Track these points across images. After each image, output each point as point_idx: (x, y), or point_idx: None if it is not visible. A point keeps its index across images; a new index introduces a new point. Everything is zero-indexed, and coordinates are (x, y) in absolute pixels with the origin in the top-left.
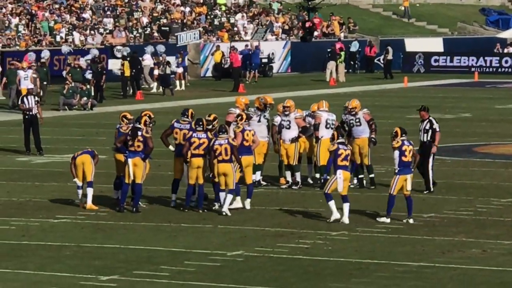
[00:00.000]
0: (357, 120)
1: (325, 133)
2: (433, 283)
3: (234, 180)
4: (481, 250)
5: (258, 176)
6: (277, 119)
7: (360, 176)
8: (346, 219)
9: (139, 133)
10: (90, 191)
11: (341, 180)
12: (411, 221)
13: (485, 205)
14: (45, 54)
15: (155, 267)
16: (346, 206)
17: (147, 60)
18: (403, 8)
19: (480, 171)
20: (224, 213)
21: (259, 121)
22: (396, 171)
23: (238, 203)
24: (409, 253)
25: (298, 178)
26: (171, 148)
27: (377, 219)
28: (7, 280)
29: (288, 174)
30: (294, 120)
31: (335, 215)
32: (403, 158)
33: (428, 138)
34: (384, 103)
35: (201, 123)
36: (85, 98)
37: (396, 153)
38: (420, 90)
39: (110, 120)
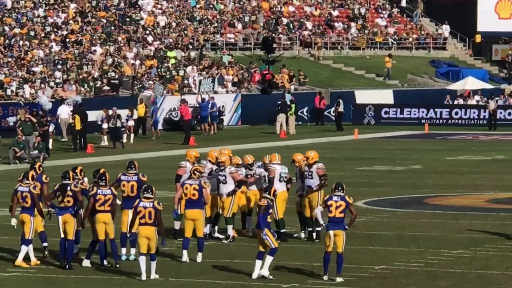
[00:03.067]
0: (310, 173)
1: (279, 186)
2: None
3: (156, 245)
4: None
5: (208, 228)
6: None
7: (310, 229)
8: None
9: (68, 188)
10: (24, 249)
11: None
12: (338, 279)
13: (435, 257)
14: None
15: None
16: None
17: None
18: (385, 69)
19: (430, 223)
20: (152, 277)
21: (209, 173)
22: (323, 226)
23: (200, 258)
24: None
25: (230, 232)
26: (118, 202)
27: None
28: None
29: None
30: (230, 175)
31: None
32: (329, 214)
33: None
34: (335, 155)
35: (103, 178)
36: (36, 152)
37: (318, 209)
38: (370, 142)
39: (60, 174)
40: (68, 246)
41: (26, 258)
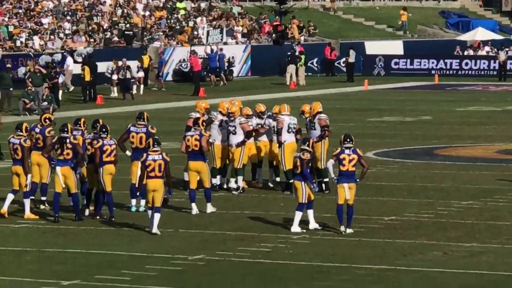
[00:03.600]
0: (312, 124)
1: (287, 137)
2: (394, 286)
3: (162, 197)
4: (442, 253)
5: (218, 180)
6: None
7: (319, 180)
8: (349, 230)
9: (67, 140)
10: (26, 202)
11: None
12: (348, 231)
13: (445, 208)
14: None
15: (116, 271)
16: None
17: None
18: (400, 23)
19: (440, 174)
20: (154, 233)
21: (220, 125)
22: (334, 180)
23: (210, 208)
24: (370, 256)
25: (240, 183)
26: (128, 153)
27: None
28: None
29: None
30: (239, 126)
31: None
32: (341, 167)
33: None
34: (345, 106)
35: (105, 129)
36: (46, 103)
37: (330, 162)
38: (380, 93)
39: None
40: (74, 199)
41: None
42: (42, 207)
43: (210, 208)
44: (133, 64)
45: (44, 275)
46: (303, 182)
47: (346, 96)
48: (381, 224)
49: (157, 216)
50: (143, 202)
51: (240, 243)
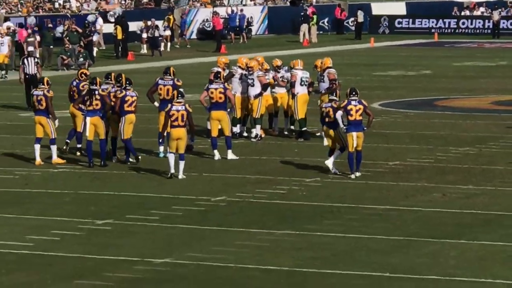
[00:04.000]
0: (322, 77)
1: (300, 90)
2: (397, 224)
3: (185, 145)
4: (441, 194)
5: (238, 128)
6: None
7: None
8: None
9: (96, 92)
10: (53, 148)
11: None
12: (356, 174)
13: (444, 154)
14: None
15: (146, 211)
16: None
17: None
18: None
19: (440, 123)
20: (180, 177)
21: (240, 78)
22: (344, 129)
23: (231, 155)
24: (375, 197)
25: (258, 131)
26: (156, 104)
27: (349, 176)
28: (11, 224)
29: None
30: (257, 78)
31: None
32: (349, 117)
33: None
34: (353, 61)
35: (128, 82)
36: (81, 59)
37: (339, 113)
38: (385, 49)
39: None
40: (101, 145)
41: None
42: (78, 154)
43: (230, 155)
44: (161, 23)
45: (80, 215)
46: (336, 129)
47: (354, 53)
48: (386, 168)
49: (182, 163)
50: (161, 148)
51: (258, 186)
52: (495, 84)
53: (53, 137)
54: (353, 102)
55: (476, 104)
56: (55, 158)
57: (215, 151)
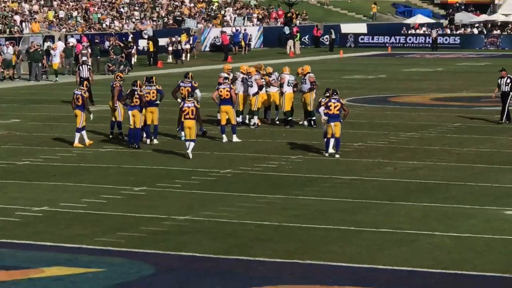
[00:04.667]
0: (304, 80)
1: (287, 89)
2: (361, 190)
3: (195, 132)
4: (393, 168)
5: (240, 118)
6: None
7: (309, 118)
8: (337, 156)
9: (135, 93)
10: (77, 135)
11: (330, 126)
12: (337, 156)
13: (396, 137)
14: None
15: (171, 181)
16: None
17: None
18: (372, 13)
19: (392, 114)
20: (188, 156)
21: (242, 81)
22: (325, 120)
23: (236, 139)
24: (344, 170)
25: (256, 120)
26: (179, 100)
27: (324, 153)
28: (70, 190)
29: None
30: (255, 81)
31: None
32: (329, 111)
33: (508, 89)
34: (327, 68)
35: (151, 80)
36: (122, 66)
37: (321, 108)
38: (351, 59)
39: (140, 80)
40: (135, 132)
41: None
42: (120, 137)
43: (235, 139)
44: (183, 39)
45: (122, 183)
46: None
47: (328, 61)
48: (351, 148)
49: (191, 145)
50: (182, 133)
51: (256, 161)
52: (434, 85)
53: (79, 127)
54: (333, 100)
55: (420, 100)
56: (76, 143)
57: (223, 136)
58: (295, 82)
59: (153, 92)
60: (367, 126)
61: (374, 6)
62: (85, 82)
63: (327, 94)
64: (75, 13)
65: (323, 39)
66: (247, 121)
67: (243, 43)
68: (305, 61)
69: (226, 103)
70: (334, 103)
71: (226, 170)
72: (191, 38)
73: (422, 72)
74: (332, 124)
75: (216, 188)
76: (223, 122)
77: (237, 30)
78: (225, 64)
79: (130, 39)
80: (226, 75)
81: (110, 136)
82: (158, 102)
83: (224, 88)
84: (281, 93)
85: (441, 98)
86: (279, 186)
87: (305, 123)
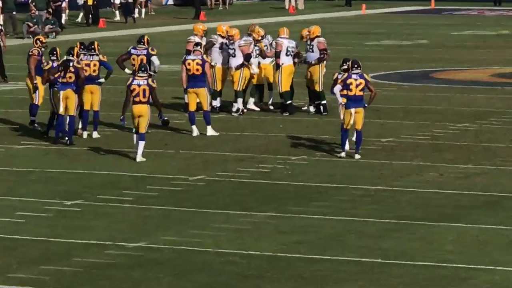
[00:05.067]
0: (311, 47)
1: (285, 60)
2: (390, 206)
3: (147, 123)
4: (437, 174)
5: (218, 102)
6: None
7: (316, 102)
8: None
9: (70, 64)
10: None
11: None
12: (357, 156)
13: (441, 130)
14: None
15: (118, 191)
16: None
17: None
18: None
19: (437, 97)
20: (136, 159)
21: (220, 48)
22: (342, 105)
23: (211, 131)
24: (367, 177)
25: (240, 105)
26: (127, 71)
27: (337, 155)
28: None
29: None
30: (239, 48)
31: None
32: (349, 92)
33: None
34: (343, 30)
35: (55, 52)
36: (49, 27)
37: (337, 87)
38: (377, 17)
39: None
40: (70, 121)
41: None
42: (32, 127)
43: (210, 131)
44: None
45: (47, 195)
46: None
47: (344, 20)
48: (378, 145)
49: (141, 144)
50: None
51: (240, 164)
52: (497, 55)
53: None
54: (353, 76)
55: (476, 76)
56: None
57: (193, 127)
58: (296, 51)
59: (94, 65)
60: (401, 113)
61: None
62: (34, 40)
63: (345, 67)
64: None
65: None
66: (234, 107)
67: None
68: (312, 20)
69: (197, 82)
70: (355, 79)
71: (198, 176)
72: None
73: (480, 36)
74: (352, 110)
75: (182, 203)
76: (192, 107)
77: None
78: (196, 23)
79: None
80: (197, 39)
81: (31, 127)
82: (102, 80)
83: (193, 60)
84: (277, 66)
85: (507, 73)
86: (273, 200)
87: (311, 109)
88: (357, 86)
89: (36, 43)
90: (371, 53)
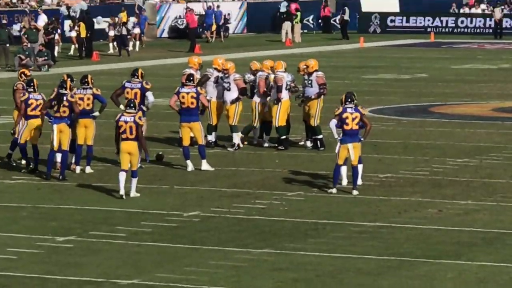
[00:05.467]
0: (310, 81)
1: (284, 95)
2: (389, 243)
3: (138, 160)
4: (437, 210)
5: (213, 136)
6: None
7: (313, 137)
8: (359, 180)
9: (64, 98)
10: None
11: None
12: (354, 192)
13: (441, 165)
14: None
15: (111, 228)
16: (359, 168)
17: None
18: None
19: (436, 131)
20: (123, 196)
21: (216, 82)
22: (338, 140)
23: (206, 166)
24: (365, 213)
25: (236, 140)
26: (122, 107)
27: (328, 190)
28: None
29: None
30: (234, 82)
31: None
32: (345, 127)
33: None
34: (340, 63)
35: (32, 84)
36: (42, 59)
37: (332, 122)
38: (376, 50)
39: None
40: (63, 157)
41: None
42: (7, 161)
43: (205, 166)
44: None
45: (39, 231)
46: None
47: (341, 54)
48: (376, 181)
49: (134, 181)
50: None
51: (235, 200)
52: (497, 89)
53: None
54: (349, 110)
55: (476, 110)
56: None
57: (188, 162)
58: (293, 84)
59: (88, 98)
60: (400, 148)
61: None
62: (19, 73)
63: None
64: None
65: (334, 20)
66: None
67: (214, 27)
68: (309, 53)
69: (191, 115)
70: (350, 113)
71: (193, 212)
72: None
73: (480, 70)
74: (349, 145)
75: (177, 239)
76: (186, 142)
77: (209, 7)
78: (191, 56)
79: (52, 20)
80: (193, 72)
81: (22, 163)
82: (96, 113)
83: (187, 93)
84: (277, 100)
85: (507, 108)
86: (270, 237)
87: (308, 144)
88: (353, 119)
89: (21, 77)
90: (369, 86)
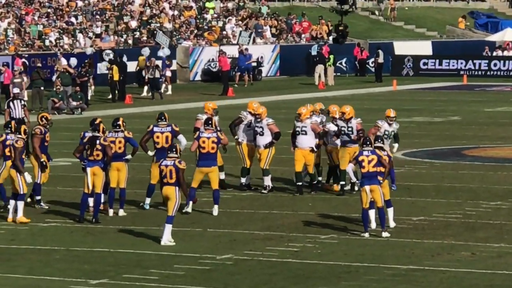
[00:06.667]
0: (350, 128)
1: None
2: (422, 286)
3: (174, 206)
4: (470, 253)
5: (246, 179)
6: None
7: (352, 181)
8: (391, 223)
9: (97, 141)
10: (12, 205)
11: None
12: (384, 234)
13: (474, 208)
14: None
15: (144, 270)
16: (389, 211)
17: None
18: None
19: (469, 174)
20: (162, 243)
21: (248, 126)
22: (357, 183)
23: (216, 211)
24: (398, 256)
25: (268, 182)
26: (150, 153)
27: (360, 234)
28: None
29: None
30: (267, 127)
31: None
32: (362, 170)
33: None
34: (373, 106)
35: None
36: (76, 102)
37: (349, 165)
38: (409, 93)
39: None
40: (96, 200)
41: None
42: (37, 206)
43: (216, 211)
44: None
45: (72, 274)
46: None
47: (374, 97)
48: (409, 224)
49: (168, 227)
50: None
51: (268, 243)
52: None
53: (22, 193)
54: (365, 152)
55: (509, 153)
56: (20, 216)
57: (215, 206)
58: (336, 128)
59: (119, 141)
60: (433, 191)
61: (461, 20)
62: (23, 127)
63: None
64: (4, 24)
65: (368, 63)
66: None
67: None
68: (341, 96)
69: (211, 160)
70: (367, 156)
71: (226, 255)
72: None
73: None
74: (367, 187)
75: (210, 282)
76: (195, 185)
77: (244, 50)
78: (206, 102)
79: (85, 63)
80: (207, 117)
81: (37, 206)
82: (128, 157)
83: (208, 138)
84: (317, 146)
85: None
86: (303, 280)
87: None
88: (369, 162)
89: (42, 121)
90: (402, 129)
